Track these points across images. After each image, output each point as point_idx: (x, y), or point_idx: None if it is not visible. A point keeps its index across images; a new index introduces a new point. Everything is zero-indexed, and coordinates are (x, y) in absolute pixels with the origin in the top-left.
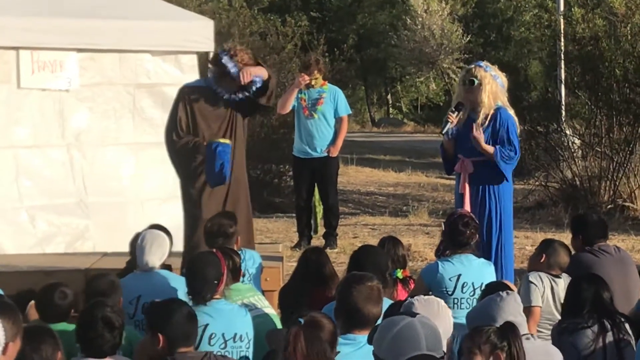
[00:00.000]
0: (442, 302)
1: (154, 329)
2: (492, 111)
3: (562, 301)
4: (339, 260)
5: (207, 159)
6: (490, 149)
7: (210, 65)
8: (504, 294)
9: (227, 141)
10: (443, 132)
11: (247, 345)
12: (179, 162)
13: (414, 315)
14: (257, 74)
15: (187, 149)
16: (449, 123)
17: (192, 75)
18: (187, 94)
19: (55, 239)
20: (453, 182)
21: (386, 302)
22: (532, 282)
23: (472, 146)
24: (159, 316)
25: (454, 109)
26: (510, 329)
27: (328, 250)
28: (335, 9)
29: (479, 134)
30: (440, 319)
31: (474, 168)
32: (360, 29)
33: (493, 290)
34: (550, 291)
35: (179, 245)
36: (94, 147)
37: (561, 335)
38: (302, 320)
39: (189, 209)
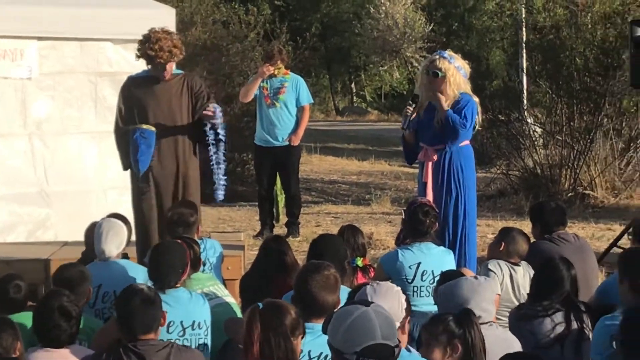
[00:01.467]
0: (395, 286)
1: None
2: (455, 100)
3: (520, 289)
4: (302, 248)
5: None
6: (445, 107)
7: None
8: (482, 278)
9: (149, 127)
10: (405, 128)
11: (206, 332)
12: (121, 153)
13: (368, 304)
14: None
15: (123, 139)
16: (408, 117)
17: None
18: (128, 85)
19: (17, 228)
20: (415, 171)
21: (345, 291)
22: (491, 270)
23: (435, 134)
24: (117, 303)
25: (410, 102)
26: (466, 316)
27: (290, 239)
28: None
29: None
30: (391, 299)
31: (437, 156)
32: (324, 17)
33: (449, 278)
34: (509, 279)
35: None
36: (56, 135)
37: (519, 322)
38: (261, 305)
39: (133, 198)
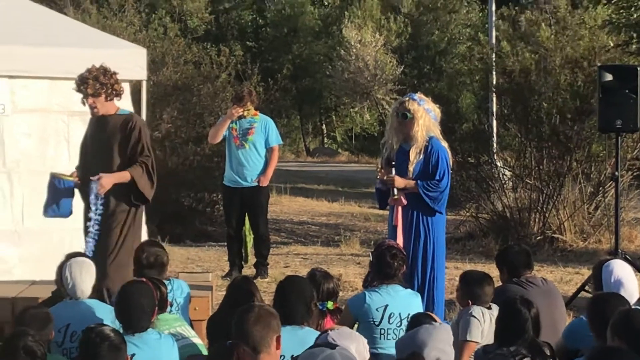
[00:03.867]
0: (354, 331)
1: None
2: (424, 143)
3: None
4: (270, 289)
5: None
6: (411, 183)
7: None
8: (437, 323)
9: (67, 178)
10: (396, 196)
11: None
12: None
13: (333, 347)
14: (110, 182)
15: None
16: (393, 186)
17: (123, 103)
18: (88, 126)
19: None
20: (384, 212)
21: (311, 333)
22: (474, 317)
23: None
24: (82, 348)
25: (389, 169)
26: None
27: (259, 280)
28: (271, 39)
29: (394, 178)
30: (356, 341)
31: (407, 200)
32: (295, 59)
33: (417, 321)
34: (488, 326)
35: None
36: (32, 174)
37: None
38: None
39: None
